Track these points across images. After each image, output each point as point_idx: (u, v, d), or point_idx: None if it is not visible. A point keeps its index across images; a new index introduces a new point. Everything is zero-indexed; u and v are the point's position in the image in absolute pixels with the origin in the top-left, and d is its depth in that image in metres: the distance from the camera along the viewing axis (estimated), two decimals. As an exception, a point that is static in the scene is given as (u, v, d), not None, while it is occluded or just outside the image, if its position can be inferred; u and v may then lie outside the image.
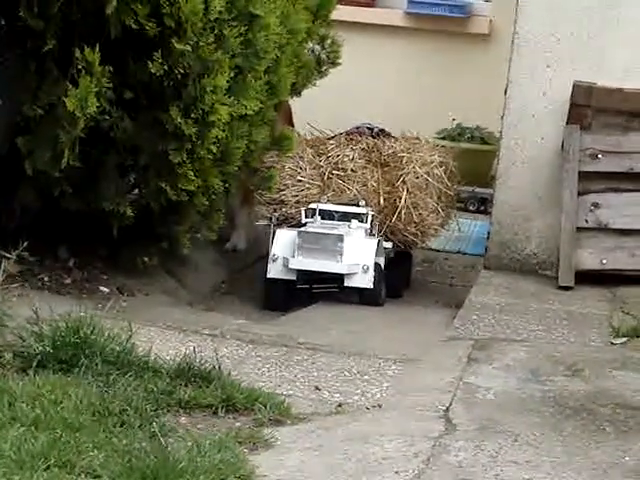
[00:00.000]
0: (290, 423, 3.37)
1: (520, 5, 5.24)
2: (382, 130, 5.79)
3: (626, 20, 5.19)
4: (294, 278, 5.06)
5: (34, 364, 3.39)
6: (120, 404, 3.18)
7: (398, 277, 5.49)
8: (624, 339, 4.34)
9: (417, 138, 5.75)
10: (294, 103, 5.59)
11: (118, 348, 3.49)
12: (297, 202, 5.43)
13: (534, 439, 3.30)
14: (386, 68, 7.17)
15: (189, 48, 4.16)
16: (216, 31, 4.30)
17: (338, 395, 3.69)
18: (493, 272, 5.23)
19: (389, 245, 5.40)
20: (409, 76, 7.16)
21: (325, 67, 5.57)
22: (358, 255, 5.03)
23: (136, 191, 4.55)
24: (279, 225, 5.27)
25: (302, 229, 5.11)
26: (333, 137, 5.77)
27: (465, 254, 5.99)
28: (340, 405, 3.61)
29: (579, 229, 5.09)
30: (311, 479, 2.97)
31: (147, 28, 4.14)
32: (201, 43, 4.20)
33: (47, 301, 3.91)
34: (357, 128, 5.81)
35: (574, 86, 5.15)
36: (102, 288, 4.50)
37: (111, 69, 4.12)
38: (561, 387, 3.74)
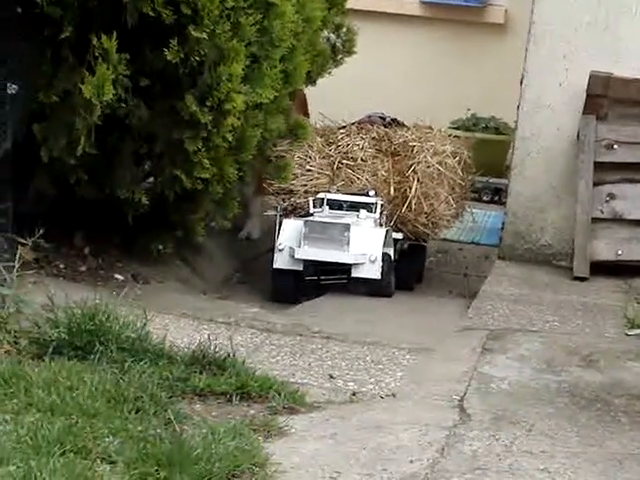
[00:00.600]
0: (304, 411, 3.37)
1: (536, -4, 5.22)
2: (394, 119, 5.71)
3: (643, 10, 5.16)
4: (301, 269, 4.99)
5: (50, 351, 3.41)
6: (135, 391, 3.19)
7: (410, 270, 5.41)
8: (639, 330, 4.32)
9: (430, 127, 5.67)
10: (309, 92, 5.58)
11: (133, 335, 3.50)
12: (306, 192, 5.34)
13: (549, 429, 3.30)
14: (401, 57, 7.15)
15: (205, 36, 4.15)
16: (232, 19, 4.29)
17: (352, 384, 3.69)
18: (507, 262, 5.23)
19: (399, 236, 5.31)
20: (424, 65, 7.14)
21: (340, 56, 5.56)
22: (365, 245, 4.95)
23: (151, 179, 4.55)
24: (287, 215, 5.21)
25: (308, 218, 5.05)
26: (344, 126, 5.68)
27: (479, 244, 5.97)
28: (354, 394, 3.61)
29: (594, 220, 5.07)
30: (326, 467, 2.97)
31: (164, 16, 4.13)
32: (217, 31, 4.19)
33: (62, 288, 3.92)
34: (369, 117, 5.73)
35: (590, 76, 5.12)
36: (117, 275, 4.51)
37: (127, 57, 4.12)
38: (576, 378, 3.74)
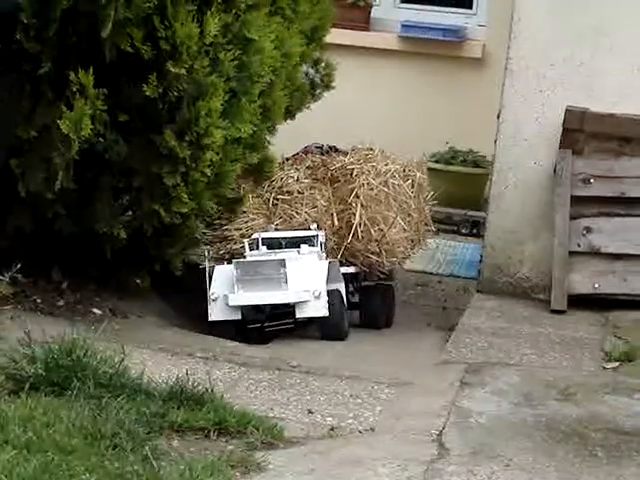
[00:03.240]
0: (283, 447, 3.37)
1: (514, 30, 5.28)
2: (332, 147, 5.39)
3: (619, 46, 5.23)
4: (239, 317, 4.60)
5: (26, 387, 3.38)
6: (112, 427, 3.17)
7: (376, 309, 5.07)
8: (616, 363, 4.34)
9: (370, 149, 5.28)
10: (288, 127, 5.59)
11: (111, 370, 3.48)
12: (242, 235, 4.94)
13: (526, 464, 3.30)
14: (380, 91, 7.21)
15: (184, 71, 4.18)
16: (211, 54, 4.33)
17: (331, 419, 3.69)
18: (486, 295, 5.24)
19: (351, 270, 4.97)
20: (402, 99, 7.19)
21: (319, 90, 5.59)
22: (306, 280, 4.56)
23: (129, 213, 4.56)
24: (219, 261, 4.81)
25: (239, 260, 4.65)
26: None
27: (458, 277, 5.99)
28: (333, 429, 3.61)
29: (571, 253, 5.11)
30: (303, 503, 2.96)
31: (142, 51, 4.16)
32: (196, 66, 4.22)
33: (40, 323, 3.90)
34: (305, 148, 5.42)
35: (566, 111, 5.18)
36: (95, 310, 4.50)
37: (106, 92, 4.14)
38: (553, 411, 3.75)
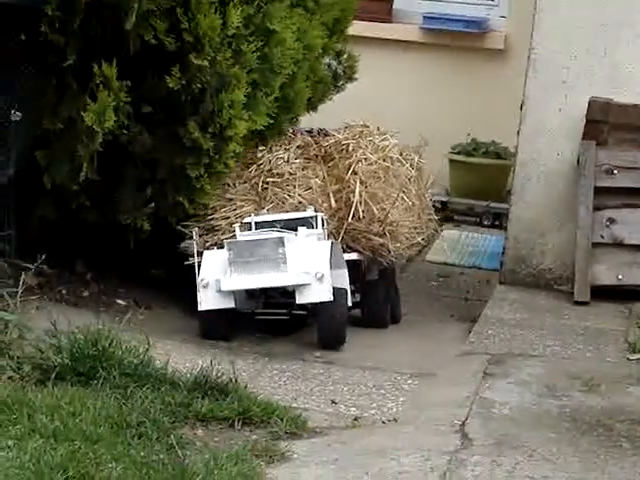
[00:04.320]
0: (306, 436, 3.38)
1: (536, 21, 5.25)
2: (322, 130, 4.93)
3: (642, 36, 5.20)
4: (232, 305, 4.10)
5: (52, 376, 3.42)
6: (138, 416, 3.20)
7: (380, 304, 4.63)
8: (640, 355, 4.33)
9: (365, 125, 4.84)
10: (309, 119, 5.58)
11: (135, 361, 3.51)
12: (231, 224, 4.46)
13: (550, 454, 3.30)
14: (402, 83, 7.19)
15: (207, 63, 4.19)
16: (234, 46, 4.33)
17: (354, 409, 3.70)
18: (508, 287, 5.22)
19: (354, 256, 4.47)
20: (425, 91, 7.17)
21: (341, 82, 5.58)
22: (307, 261, 4.07)
23: (153, 205, 4.58)
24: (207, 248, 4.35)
25: (231, 240, 4.20)
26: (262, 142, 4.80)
27: (480, 269, 5.98)
28: (356, 419, 3.62)
29: (595, 244, 5.08)
30: (328, 493, 2.98)
31: (166, 43, 4.17)
32: (219, 58, 4.23)
33: (65, 314, 3.93)
34: (292, 131, 4.92)
35: (590, 102, 5.15)
36: (119, 301, 4.52)
37: (129, 84, 4.15)
38: (577, 402, 3.74)
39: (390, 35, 7.26)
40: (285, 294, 4.13)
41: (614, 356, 4.34)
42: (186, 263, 4.31)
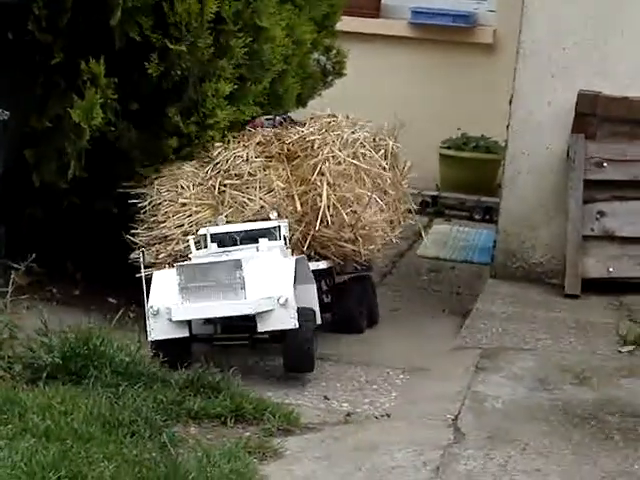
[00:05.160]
0: (299, 432, 3.38)
1: (525, 15, 5.26)
2: (286, 118, 4.48)
3: (630, 29, 5.20)
4: (187, 334, 3.71)
5: (44, 375, 3.41)
6: (130, 415, 3.19)
7: (353, 308, 4.32)
8: (631, 347, 4.34)
9: (333, 115, 4.40)
10: (297, 115, 5.56)
11: (127, 359, 3.51)
12: (185, 233, 4.05)
13: (543, 448, 3.31)
14: (391, 78, 7.18)
15: (185, 48, 4.14)
16: (222, 41, 4.32)
17: (347, 404, 3.70)
18: (499, 281, 5.23)
19: (323, 265, 4.10)
20: (414, 86, 7.17)
21: (330, 77, 5.58)
22: (269, 285, 3.66)
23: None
24: (159, 267, 3.96)
25: (182, 263, 3.77)
26: (221, 139, 4.37)
27: (472, 263, 5.98)
28: (349, 414, 3.62)
29: (585, 237, 5.09)
30: (321, 489, 2.98)
31: (152, 40, 4.16)
32: (199, 44, 4.17)
33: (56, 312, 3.92)
34: (252, 121, 4.45)
35: (579, 95, 5.16)
36: (110, 299, 4.50)
37: (116, 81, 4.14)
38: (569, 396, 3.75)
39: (379, 30, 7.26)
40: (246, 318, 3.71)
41: (605, 349, 4.35)
42: (137, 275, 3.90)
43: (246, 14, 4.44)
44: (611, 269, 5.06)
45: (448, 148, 6.97)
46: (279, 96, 4.76)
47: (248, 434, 3.30)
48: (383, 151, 4.36)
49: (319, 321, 3.90)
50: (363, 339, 4.55)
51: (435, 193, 6.86)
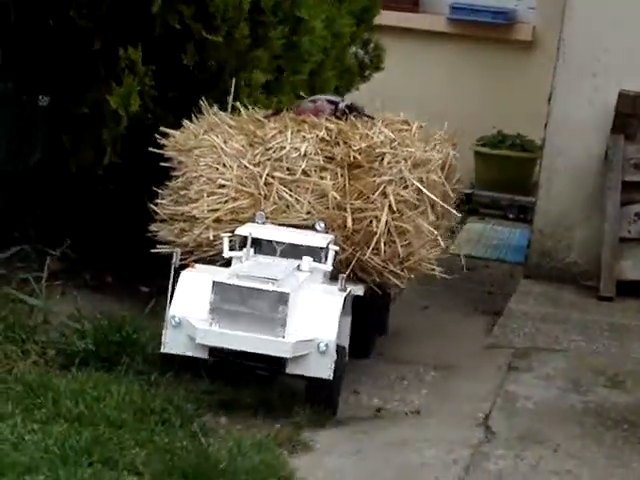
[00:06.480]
0: (329, 427, 3.37)
1: (566, 13, 5.20)
2: (351, 106, 3.94)
3: (674, 29, 5.14)
4: (206, 356, 3.29)
5: (77, 361, 3.42)
6: (161, 403, 3.20)
7: (369, 325, 3.82)
8: (665, 351, 4.30)
9: (406, 122, 3.95)
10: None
11: (159, 348, 3.50)
12: (217, 220, 3.57)
13: (575, 450, 3.28)
14: (428, 73, 7.15)
15: (221, 39, 4.14)
16: (260, 32, 4.31)
17: (377, 400, 3.69)
18: (533, 281, 5.19)
19: (359, 291, 3.59)
20: (450, 82, 7.13)
21: (368, 71, 5.56)
22: (312, 325, 3.22)
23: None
24: (183, 259, 3.44)
25: (220, 278, 3.24)
26: (275, 113, 3.85)
27: (504, 262, 5.94)
28: (379, 410, 3.61)
29: (622, 239, 5.04)
30: (350, 483, 2.97)
31: (193, 28, 4.16)
32: (236, 36, 4.17)
33: (89, 299, 3.94)
34: (313, 101, 3.95)
35: (620, 95, 5.10)
36: (142, 288, 4.51)
37: (154, 68, 4.15)
38: (602, 398, 3.72)
39: (417, 25, 7.22)
40: (275, 359, 3.26)
41: (639, 352, 4.30)
42: (167, 271, 3.39)
43: (286, 5, 4.43)
44: (647, 272, 5.01)
45: (483, 146, 6.92)
46: (317, 88, 4.74)
47: (278, 426, 3.30)
48: (448, 164, 3.91)
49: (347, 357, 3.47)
50: (393, 335, 4.53)
51: (469, 191, 6.81)
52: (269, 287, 3.24)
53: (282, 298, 3.22)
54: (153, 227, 3.77)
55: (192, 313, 3.28)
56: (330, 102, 3.92)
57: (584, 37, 5.16)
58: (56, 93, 4.28)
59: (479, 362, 4.15)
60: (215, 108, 3.98)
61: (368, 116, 3.95)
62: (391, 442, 3.29)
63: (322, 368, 3.24)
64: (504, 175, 6.80)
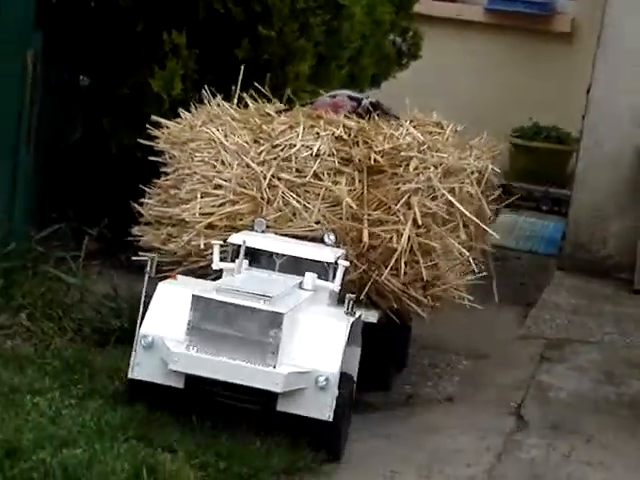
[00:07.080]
0: (360, 410, 3.38)
1: (608, 3, 5.17)
2: (376, 104, 3.42)
3: None
4: (181, 385, 2.73)
5: (112, 339, 3.46)
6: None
7: (381, 362, 3.20)
8: (700, 345, 4.27)
9: (439, 124, 3.37)
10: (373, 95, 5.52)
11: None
12: (210, 226, 3.04)
13: (607, 441, 3.27)
14: (465, 63, 7.13)
15: (274, 34, 4.18)
16: (301, 19, 4.32)
17: (409, 386, 3.70)
18: (566, 272, 5.17)
19: (373, 318, 3.03)
20: (487, 72, 7.10)
21: (405, 60, 5.56)
22: (310, 354, 2.66)
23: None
24: (163, 273, 2.89)
25: (201, 292, 2.70)
26: (287, 109, 3.33)
27: (537, 253, 5.92)
28: (411, 396, 3.62)
29: (657, 233, 5.02)
30: (382, 465, 2.98)
31: (234, 13, 4.17)
32: (286, 30, 4.21)
33: (125, 279, 3.96)
34: (332, 97, 3.46)
35: (659, 87, 5.07)
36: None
37: (197, 52, 4.17)
38: (636, 390, 3.71)
39: (454, 15, 7.20)
40: (264, 392, 2.71)
41: (674, 346, 4.29)
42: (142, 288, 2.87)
43: (326, -9, 4.43)
44: (682, 266, 4.98)
45: (518, 137, 6.89)
46: (354, 75, 4.75)
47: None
48: (485, 178, 3.33)
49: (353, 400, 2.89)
50: (427, 323, 4.53)
51: (503, 182, 6.78)
52: (260, 305, 2.67)
53: (275, 319, 2.65)
54: (136, 230, 3.24)
55: (167, 333, 2.72)
56: (352, 98, 3.43)
57: (625, 28, 5.13)
58: (97, 74, 4.31)
59: (511, 352, 4.15)
60: (218, 98, 3.29)
61: (395, 116, 3.41)
62: (423, 428, 3.30)
63: (320, 407, 2.67)
64: (539, 167, 6.77)
